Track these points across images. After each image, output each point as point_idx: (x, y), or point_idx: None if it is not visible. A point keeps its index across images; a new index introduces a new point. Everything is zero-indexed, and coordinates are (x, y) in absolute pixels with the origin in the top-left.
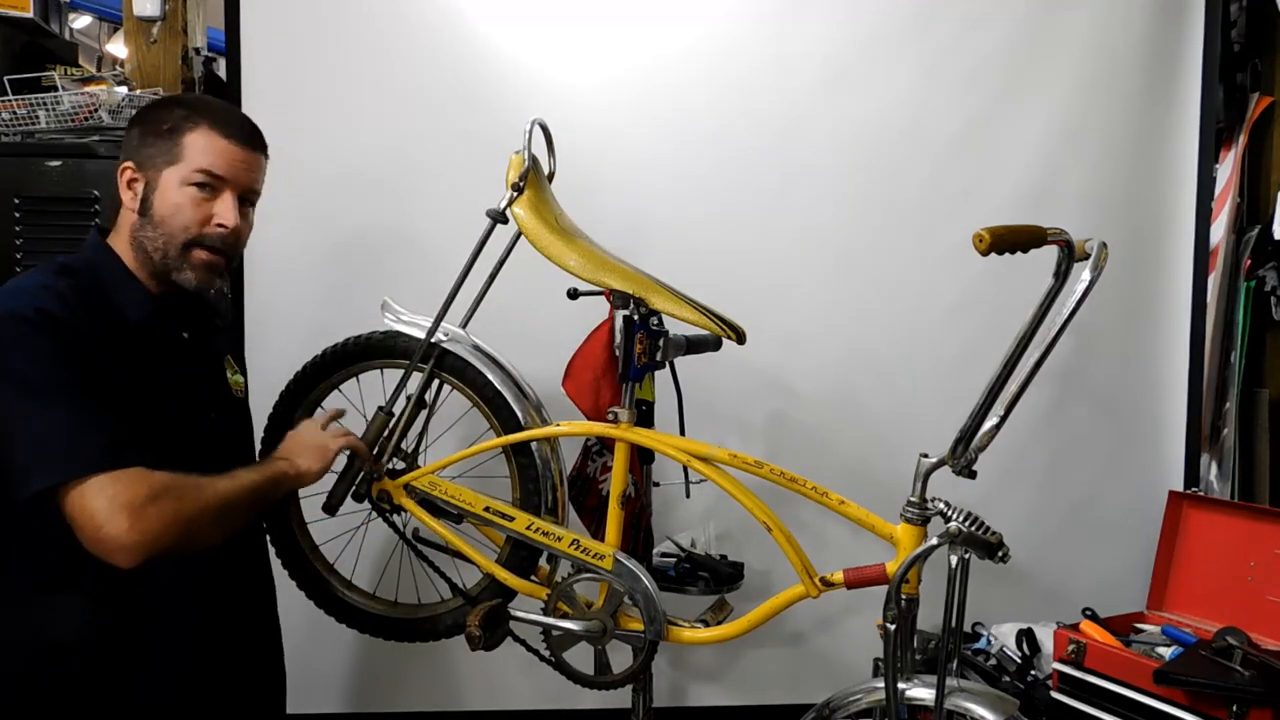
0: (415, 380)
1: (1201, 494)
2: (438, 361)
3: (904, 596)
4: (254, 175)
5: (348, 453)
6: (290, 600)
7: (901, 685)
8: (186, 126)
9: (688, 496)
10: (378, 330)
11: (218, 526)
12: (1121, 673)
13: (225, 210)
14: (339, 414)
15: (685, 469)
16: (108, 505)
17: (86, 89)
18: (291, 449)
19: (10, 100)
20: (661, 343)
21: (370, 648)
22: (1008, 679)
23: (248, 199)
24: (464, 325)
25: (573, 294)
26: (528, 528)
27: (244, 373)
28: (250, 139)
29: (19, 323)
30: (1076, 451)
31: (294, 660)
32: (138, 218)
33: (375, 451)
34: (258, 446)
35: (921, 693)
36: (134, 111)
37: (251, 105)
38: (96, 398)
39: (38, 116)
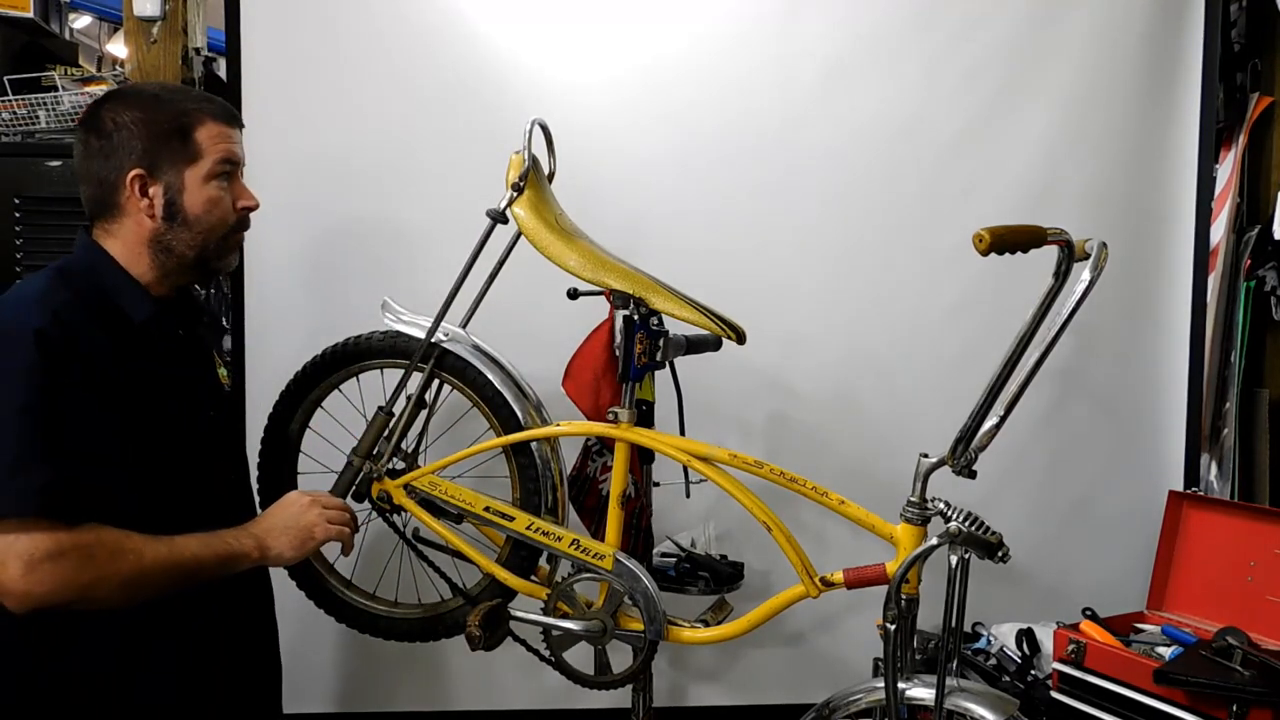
0: (415, 380)
1: (1201, 494)
2: (438, 361)
3: (904, 596)
4: (242, 149)
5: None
6: (289, 600)
7: (901, 685)
8: (191, 123)
9: (688, 496)
10: (378, 330)
11: (129, 594)
12: (1121, 673)
13: (246, 192)
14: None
15: (685, 469)
16: (5, 549)
17: (86, 89)
18: (270, 527)
19: (10, 100)
20: (661, 343)
21: (369, 647)
22: (1008, 679)
23: None
24: (464, 325)
25: (573, 294)
26: (528, 528)
27: (226, 365)
28: (238, 117)
29: (6, 341)
30: (1076, 451)
31: (292, 660)
32: (162, 223)
33: (375, 452)
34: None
35: (921, 693)
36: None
37: (251, 105)
38: (66, 433)
39: (38, 116)
